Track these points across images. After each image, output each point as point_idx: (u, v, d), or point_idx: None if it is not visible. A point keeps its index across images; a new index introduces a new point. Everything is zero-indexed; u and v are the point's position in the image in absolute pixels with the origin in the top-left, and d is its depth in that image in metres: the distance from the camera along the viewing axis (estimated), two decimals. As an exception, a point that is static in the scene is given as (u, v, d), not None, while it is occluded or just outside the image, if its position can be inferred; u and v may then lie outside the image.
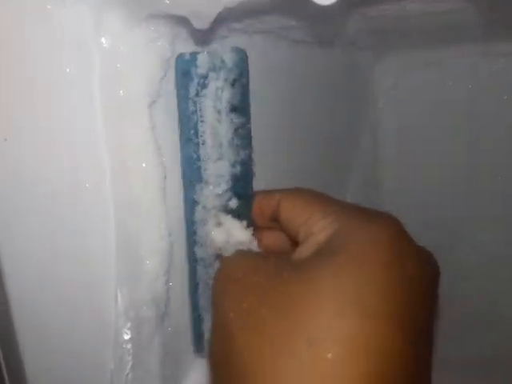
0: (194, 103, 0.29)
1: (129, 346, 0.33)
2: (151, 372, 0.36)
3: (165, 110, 0.33)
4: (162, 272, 0.34)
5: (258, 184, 0.34)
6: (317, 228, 0.26)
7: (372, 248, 0.23)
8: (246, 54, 0.29)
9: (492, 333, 0.67)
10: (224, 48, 0.29)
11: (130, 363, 0.34)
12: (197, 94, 0.29)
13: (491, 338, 0.67)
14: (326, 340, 0.20)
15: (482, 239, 0.67)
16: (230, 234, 0.29)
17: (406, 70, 0.65)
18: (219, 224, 0.30)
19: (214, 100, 0.29)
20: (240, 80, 0.29)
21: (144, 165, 0.32)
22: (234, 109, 0.29)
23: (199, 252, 0.31)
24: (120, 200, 0.32)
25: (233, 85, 0.29)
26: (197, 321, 0.33)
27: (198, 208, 0.30)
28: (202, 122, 0.29)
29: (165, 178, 0.33)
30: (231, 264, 0.27)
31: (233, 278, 0.26)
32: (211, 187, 0.30)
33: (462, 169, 0.67)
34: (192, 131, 0.29)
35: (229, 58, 0.29)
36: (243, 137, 0.30)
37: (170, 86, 0.33)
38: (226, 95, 0.29)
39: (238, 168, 0.30)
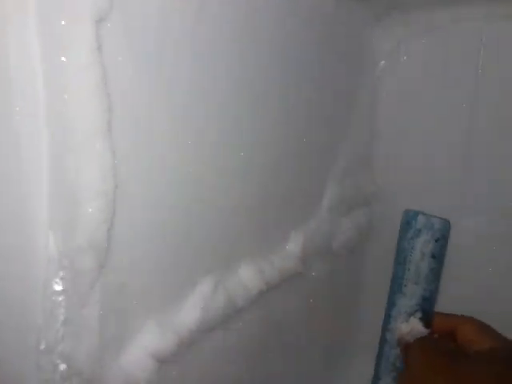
0: (409, 243, 0.44)
1: (60, 298, 0.29)
2: (88, 330, 0.32)
3: (122, 31, 0.29)
4: (103, 218, 0.29)
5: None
6: (483, 343, 0.38)
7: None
8: (449, 223, 0.44)
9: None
10: (434, 215, 0.44)
11: (62, 318, 0.30)
12: (412, 238, 0.44)
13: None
14: None
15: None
16: (414, 329, 0.43)
17: (407, 34, 0.60)
18: (408, 321, 0.44)
19: (422, 246, 0.44)
20: (442, 239, 0.44)
21: (85, 92, 0.27)
22: (433, 256, 0.44)
23: (387, 335, 0.46)
24: (56, 131, 0.27)
25: (436, 241, 0.44)
26: (377, 376, 0.47)
27: (395, 309, 0.45)
28: (411, 255, 0.44)
29: (109, 110, 0.28)
30: (423, 340, 0.41)
31: (423, 349, 0.40)
32: (407, 300, 0.45)
33: (462, 134, 0.62)
34: (403, 259, 0.45)
35: (437, 223, 0.44)
36: (435, 274, 0.45)
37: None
38: (430, 246, 0.44)
39: (427, 293, 0.44)
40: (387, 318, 0.46)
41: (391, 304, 0.46)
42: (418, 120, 0.67)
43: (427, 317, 0.44)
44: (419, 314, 0.44)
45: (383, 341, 0.46)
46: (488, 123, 0.63)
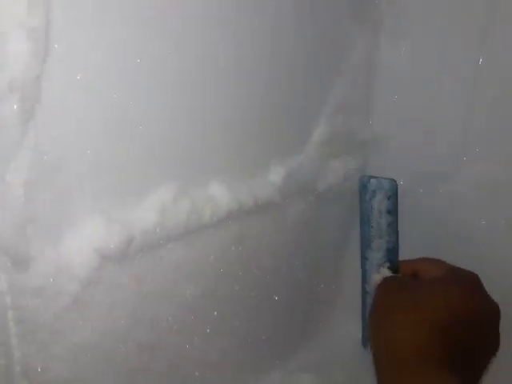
0: (368, 204, 0.51)
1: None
2: (12, 200, 0.29)
3: None
4: (29, 60, 0.26)
5: None
6: (435, 271, 0.45)
7: (461, 287, 0.42)
8: (396, 182, 0.51)
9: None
10: (383, 177, 0.51)
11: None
12: (369, 199, 0.51)
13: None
14: (425, 313, 0.40)
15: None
16: (384, 276, 0.49)
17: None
18: (379, 272, 0.50)
19: (378, 205, 0.51)
20: (393, 196, 0.50)
21: None
22: (388, 211, 0.50)
23: (367, 287, 0.52)
24: None
25: (388, 199, 0.50)
26: (365, 326, 0.54)
27: (368, 263, 0.52)
28: (371, 214, 0.51)
29: None
30: (387, 278, 0.49)
31: (384, 284, 0.48)
32: (375, 253, 0.51)
33: (465, 83, 0.57)
34: (366, 219, 0.51)
35: (386, 183, 0.50)
36: (393, 228, 0.51)
37: None
38: (385, 204, 0.50)
39: (390, 244, 0.51)
40: (364, 272, 0.53)
41: (364, 259, 0.52)
42: (420, 65, 0.62)
43: (394, 265, 0.51)
44: (387, 264, 0.51)
45: (364, 293, 0.53)
46: (493, 73, 0.58)
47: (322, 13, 0.52)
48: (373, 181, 0.51)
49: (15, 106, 0.27)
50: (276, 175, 0.51)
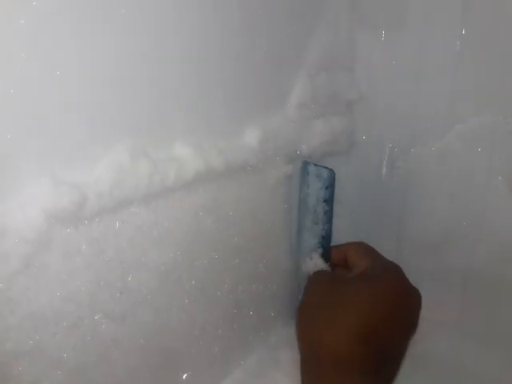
0: (307, 189, 0.52)
1: None
2: None
3: None
4: None
5: None
6: (361, 264, 0.47)
7: (383, 280, 0.44)
8: (334, 172, 0.51)
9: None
10: (323, 165, 0.52)
11: None
12: (308, 185, 0.52)
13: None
14: (348, 309, 0.41)
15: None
16: (317, 264, 0.51)
17: None
18: (311, 258, 0.52)
19: (316, 192, 0.52)
20: (330, 187, 0.51)
21: None
22: (325, 200, 0.51)
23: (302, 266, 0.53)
24: None
25: (326, 188, 0.51)
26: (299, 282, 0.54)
27: (303, 246, 0.53)
28: (309, 200, 0.52)
29: None
30: (316, 274, 0.50)
31: (316, 280, 0.49)
32: (311, 238, 0.53)
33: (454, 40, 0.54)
34: (304, 203, 0.53)
35: (325, 173, 0.51)
36: (328, 216, 0.52)
37: None
38: (322, 193, 0.51)
39: (324, 232, 0.52)
40: (300, 252, 0.54)
41: (301, 240, 0.54)
42: (405, 26, 0.59)
43: (326, 252, 0.52)
44: (320, 250, 0.52)
45: (299, 271, 0.54)
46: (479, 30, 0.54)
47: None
48: (312, 168, 0.52)
49: None
50: (251, 137, 0.49)
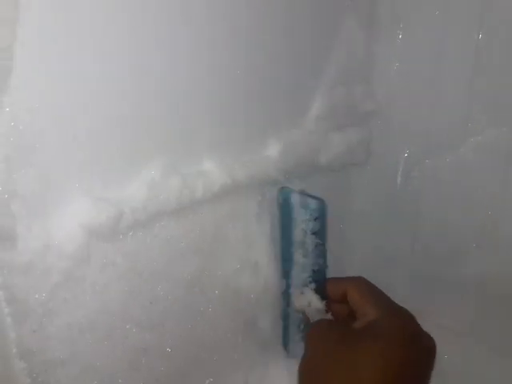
0: (290, 220, 0.47)
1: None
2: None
3: None
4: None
5: None
6: (368, 312, 0.42)
7: (398, 335, 0.39)
8: (324, 203, 0.46)
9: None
10: (310, 194, 0.47)
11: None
12: (292, 216, 0.46)
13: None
14: (358, 373, 0.37)
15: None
16: (310, 301, 0.46)
17: None
18: (302, 294, 0.47)
19: (302, 224, 0.46)
20: (320, 218, 0.46)
21: None
22: (314, 233, 0.46)
23: (290, 301, 0.49)
24: None
25: (315, 220, 0.46)
26: (286, 337, 0.51)
27: (291, 279, 0.48)
28: (294, 231, 0.47)
29: None
30: (317, 325, 0.44)
31: (316, 333, 0.43)
32: (300, 273, 0.48)
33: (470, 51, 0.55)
34: (287, 235, 0.47)
35: (313, 203, 0.46)
36: (320, 249, 0.47)
37: None
38: (310, 225, 0.46)
39: (317, 266, 0.48)
40: (286, 284, 0.49)
41: (285, 272, 0.49)
42: (421, 36, 0.60)
43: (320, 287, 0.48)
44: (313, 285, 0.48)
45: (286, 304, 0.50)
46: (494, 35, 0.56)
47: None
48: (295, 197, 0.47)
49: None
50: (272, 150, 0.50)
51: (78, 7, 0.31)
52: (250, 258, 0.49)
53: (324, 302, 0.46)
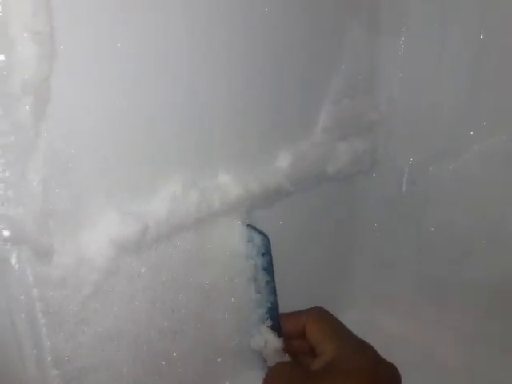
0: (247, 254, 0.47)
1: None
2: (31, 195, 0.30)
3: None
4: (38, 62, 0.27)
5: None
6: (326, 350, 0.41)
7: (358, 374, 0.38)
8: (268, 239, 0.45)
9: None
10: (257, 229, 0.46)
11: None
12: (247, 250, 0.47)
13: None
14: None
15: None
16: (268, 340, 0.47)
17: None
18: (261, 333, 0.47)
19: (254, 258, 0.47)
20: (267, 254, 0.46)
21: None
22: (264, 269, 0.46)
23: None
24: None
25: (262, 255, 0.46)
26: None
27: (253, 315, 0.48)
28: (251, 266, 0.47)
29: None
30: (274, 370, 0.44)
31: (275, 379, 0.42)
32: (258, 308, 0.48)
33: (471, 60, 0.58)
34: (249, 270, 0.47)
35: (258, 239, 0.46)
36: (270, 287, 0.46)
37: None
38: (260, 260, 0.46)
39: (269, 303, 0.47)
40: (249, 324, 0.49)
41: (249, 311, 0.49)
42: (421, 45, 0.62)
43: (275, 324, 0.47)
44: (269, 322, 0.47)
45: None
46: (494, 47, 0.58)
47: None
48: (244, 229, 0.46)
49: (28, 108, 0.28)
50: (283, 161, 0.52)
51: (108, 42, 0.33)
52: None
53: (281, 340, 0.46)
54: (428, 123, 0.63)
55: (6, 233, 0.30)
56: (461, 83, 0.60)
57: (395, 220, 0.65)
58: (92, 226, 0.35)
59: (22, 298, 0.33)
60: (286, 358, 0.46)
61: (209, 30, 0.41)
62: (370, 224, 0.65)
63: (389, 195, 0.65)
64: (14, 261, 0.31)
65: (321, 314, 0.45)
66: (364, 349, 0.41)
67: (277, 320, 0.47)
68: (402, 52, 0.64)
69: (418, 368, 0.54)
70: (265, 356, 0.47)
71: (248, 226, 0.46)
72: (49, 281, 0.33)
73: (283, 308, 0.48)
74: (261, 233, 0.45)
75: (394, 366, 0.41)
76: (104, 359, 0.39)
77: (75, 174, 0.34)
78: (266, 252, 0.45)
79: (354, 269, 0.65)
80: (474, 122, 0.59)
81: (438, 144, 0.62)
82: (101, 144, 0.35)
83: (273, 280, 0.46)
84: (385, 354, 0.42)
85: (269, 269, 0.46)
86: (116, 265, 0.36)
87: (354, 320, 0.55)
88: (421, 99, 0.63)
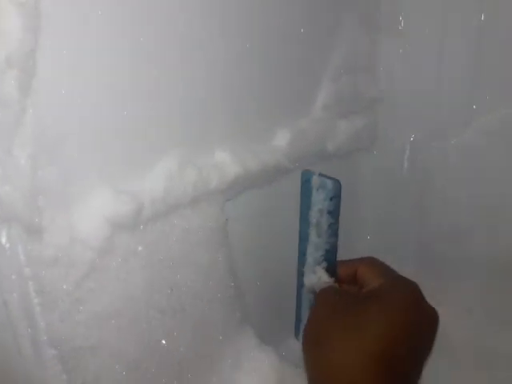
0: (309, 200, 0.48)
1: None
2: (19, 172, 0.30)
3: None
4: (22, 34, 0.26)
5: None
6: (375, 282, 0.43)
7: (403, 301, 0.40)
8: (340, 183, 0.46)
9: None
10: (327, 175, 0.47)
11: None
12: (310, 196, 0.48)
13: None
14: (361, 334, 0.38)
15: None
16: (320, 278, 0.47)
17: None
18: (315, 272, 0.48)
19: (319, 204, 0.47)
20: (335, 198, 0.47)
21: None
22: (329, 212, 0.47)
23: (304, 282, 0.50)
24: None
25: (331, 199, 0.47)
26: (298, 318, 0.53)
27: (305, 259, 0.50)
28: (311, 211, 0.48)
29: None
30: (326, 289, 0.45)
31: (325, 299, 0.44)
32: (313, 251, 0.49)
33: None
34: (305, 215, 0.49)
35: (330, 183, 0.46)
36: (333, 229, 0.48)
37: None
38: (326, 204, 0.47)
39: (329, 245, 0.48)
40: (300, 264, 0.51)
41: (301, 252, 0.50)
42: (423, 22, 0.61)
43: (332, 266, 0.49)
44: (324, 264, 0.49)
45: (300, 285, 0.51)
46: (497, 21, 0.56)
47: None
48: (315, 178, 0.48)
49: (12, 82, 0.28)
50: (282, 139, 0.51)
51: (96, 15, 0.32)
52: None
53: (333, 280, 0.48)
54: (430, 99, 0.62)
55: (-4, 209, 0.30)
56: (463, 58, 0.59)
57: (396, 197, 0.64)
58: (85, 204, 0.35)
59: (14, 277, 0.32)
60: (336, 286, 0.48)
61: (206, 3, 0.40)
62: (371, 201, 0.65)
63: (390, 172, 0.65)
64: (4, 239, 0.31)
65: (373, 260, 0.47)
66: (411, 284, 0.42)
67: (333, 262, 0.49)
68: (402, 27, 0.62)
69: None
70: (317, 290, 0.48)
71: (319, 174, 0.48)
72: (41, 260, 0.33)
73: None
74: (331, 178, 0.48)
75: (434, 309, 0.41)
76: (102, 339, 0.38)
77: (65, 151, 0.33)
78: (336, 195, 0.47)
79: (355, 247, 0.65)
80: (476, 96, 0.58)
81: (441, 119, 0.61)
82: (91, 119, 0.34)
83: (337, 222, 0.48)
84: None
85: (335, 212, 0.48)
86: (111, 243, 0.36)
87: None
88: (422, 75, 0.62)
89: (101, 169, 0.35)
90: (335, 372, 0.37)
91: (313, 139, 0.55)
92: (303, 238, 0.50)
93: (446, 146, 0.61)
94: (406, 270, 0.64)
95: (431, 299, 0.53)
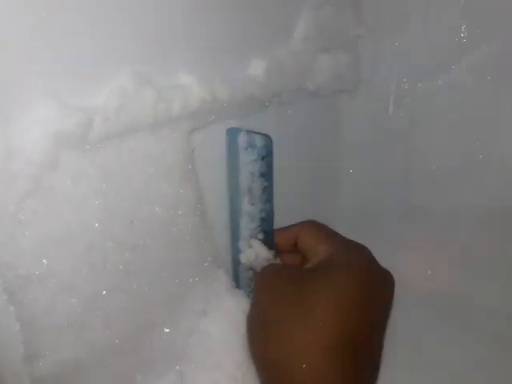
0: (237, 163, 0.42)
1: None
2: None
3: None
4: None
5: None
6: (320, 250, 0.40)
7: (354, 269, 0.36)
8: (271, 139, 0.43)
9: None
10: (255, 131, 0.42)
11: None
12: (238, 158, 0.42)
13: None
14: (312, 314, 0.34)
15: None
16: (258, 253, 0.43)
17: None
18: (251, 247, 0.44)
19: (249, 166, 0.42)
20: (268, 156, 0.43)
21: None
22: (262, 174, 0.43)
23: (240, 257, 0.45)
24: None
25: (262, 159, 0.42)
26: (237, 278, 0.46)
27: (238, 232, 0.44)
28: (241, 176, 0.42)
29: None
30: (266, 270, 0.41)
31: (266, 281, 0.39)
32: (247, 222, 0.43)
33: None
34: (235, 181, 0.43)
35: (259, 140, 0.42)
36: (268, 193, 0.43)
37: None
38: (258, 165, 0.42)
39: (264, 213, 0.44)
40: (234, 239, 0.45)
41: (234, 226, 0.45)
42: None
43: (268, 237, 0.44)
44: (261, 236, 0.44)
45: (236, 263, 0.46)
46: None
47: None
48: (242, 135, 0.42)
49: None
50: (256, 68, 0.48)
51: None
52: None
53: (273, 252, 0.43)
54: (416, 37, 0.58)
55: None
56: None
57: (382, 141, 0.61)
58: (25, 115, 0.31)
59: None
60: (278, 262, 0.45)
61: None
62: (354, 146, 0.61)
63: (375, 115, 0.61)
64: None
65: (314, 224, 0.43)
66: (360, 249, 0.39)
67: (270, 231, 0.44)
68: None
69: (403, 293, 0.51)
70: (255, 269, 0.44)
71: (247, 131, 0.42)
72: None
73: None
74: (262, 134, 0.42)
75: (388, 272, 0.39)
76: (52, 268, 0.35)
77: (2, 52, 0.29)
78: (268, 154, 0.42)
79: (339, 194, 0.62)
80: (464, 31, 0.54)
81: (427, 58, 0.58)
82: (32, 15, 0.30)
83: (271, 185, 0.43)
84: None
85: (268, 173, 0.43)
86: (55, 160, 0.33)
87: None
88: (408, 11, 0.58)
89: (45, 78, 0.32)
90: (289, 366, 0.33)
91: (291, 72, 0.51)
92: (234, 209, 0.44)
93: (432, 86, 0.58)
94: (388, 220, 0.62)
95: (415, 252, 0.51)
